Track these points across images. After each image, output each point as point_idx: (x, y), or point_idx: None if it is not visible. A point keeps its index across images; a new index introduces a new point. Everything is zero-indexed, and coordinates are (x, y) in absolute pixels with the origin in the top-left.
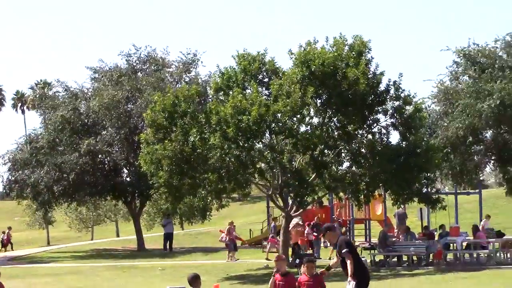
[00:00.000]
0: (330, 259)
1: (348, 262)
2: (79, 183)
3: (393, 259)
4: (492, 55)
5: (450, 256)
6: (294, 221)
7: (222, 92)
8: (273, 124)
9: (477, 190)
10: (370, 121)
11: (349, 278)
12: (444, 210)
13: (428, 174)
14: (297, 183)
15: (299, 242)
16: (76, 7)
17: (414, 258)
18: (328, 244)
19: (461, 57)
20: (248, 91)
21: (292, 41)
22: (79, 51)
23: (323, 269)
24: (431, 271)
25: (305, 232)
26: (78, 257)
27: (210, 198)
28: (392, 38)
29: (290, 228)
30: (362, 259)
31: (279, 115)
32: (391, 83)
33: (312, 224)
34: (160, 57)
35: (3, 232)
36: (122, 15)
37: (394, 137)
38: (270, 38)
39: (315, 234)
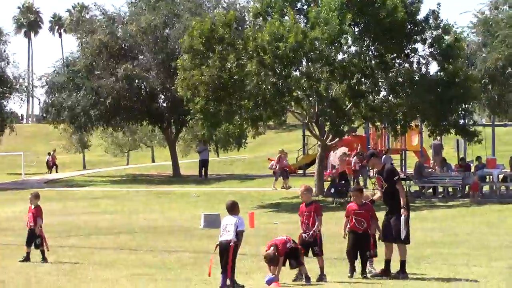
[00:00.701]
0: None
1: (400, 189)
2: (115, 107)
3: (429, 190)
4: None
5: (486, 188)
6: (341, 150)
7: (261, 18)
8: (310, 52)
9: None
10: (408, 51)
11: (402, 211)
12: (480, 144)
13: (466, 105)
14: (333, 112)
15: (346, 171)
16: None
17: (450, 189)
18: (371, 173)
19: None
20: (286, 18)
21: None
22: None
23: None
24: (466, 203)
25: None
26: (114, 182)
27: (246, 125)
28: None
29: (335, 157)
30: None
31: (316, 42)
32: (430, 12)
33: (356, 153)
34: None
35: (48, 154)
36: None
37: (433, 67)
38: None
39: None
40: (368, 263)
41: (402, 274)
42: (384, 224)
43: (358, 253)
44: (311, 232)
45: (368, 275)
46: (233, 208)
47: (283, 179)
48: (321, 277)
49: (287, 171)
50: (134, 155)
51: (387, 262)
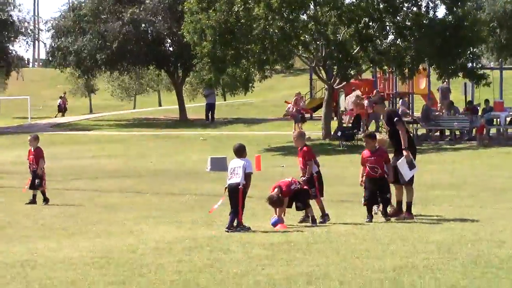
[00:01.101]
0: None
1: (401, 131)
2: (122, 51)
3: (436, 133)
4: None
5: (493, 131)
6: (354, 94)
7: None
8: None
9: None
10: None
11: (404, 153)
12: (488, 86)
13: (474, 49)
14: (341, 55)
15: (360, 115)
16: None
17: (457, 132)
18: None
19: None
20: None
21: None
22: None
23: None
24: (473, 146)
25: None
26: (120, 126)
27: (252, 69)
28: None
29: (349, 100)
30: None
31: None
32: None
33: (370, 96)
34: None
35: (60, 97)
36: None
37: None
38: None
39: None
40: (376, 206)
41: (408, 215)
42: (392, 166)
43: (379, 198)
44: (304, 178)
45: (380, 216)
46: (240, 151)
47: (300, 122)
48: (324, 218)
49: (303, 114)
50: (140, 99)
51: (398, 203)
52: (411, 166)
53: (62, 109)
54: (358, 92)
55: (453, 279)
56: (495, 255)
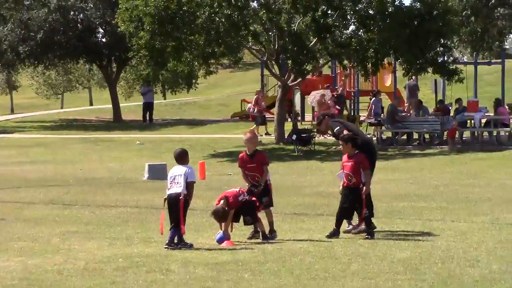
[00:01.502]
0: None
1: (341, 142)
2: (47, 43)
3: (403, 137)
4: None
5: (467, 134)
6: (318, 93)
7: None
8: None
9: (499, 60)
10: None
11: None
12: (462, 83)
13: (445, 41)
14: (296, 48)
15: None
16: None
17: (426, 136)
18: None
19: None
20: None
21: None
22: None
23: None
24: (445, 151)
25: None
26: (46, 128)
27: (196, 63)
28: None
29: (312, 99)
30: (367, 135)
31: None
32: None
33: (334, 95)
34: None
35: None
36: None
37: None
38: None
39: (337, 107)
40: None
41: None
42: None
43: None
44: (259, 188)
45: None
46: (182, 157)
47: (261, 124)
48: (272, 235)
49: (264, 115)
50: (69, 97)
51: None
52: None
53: None
54: (323, 91)
55: None
56: (468, 276)
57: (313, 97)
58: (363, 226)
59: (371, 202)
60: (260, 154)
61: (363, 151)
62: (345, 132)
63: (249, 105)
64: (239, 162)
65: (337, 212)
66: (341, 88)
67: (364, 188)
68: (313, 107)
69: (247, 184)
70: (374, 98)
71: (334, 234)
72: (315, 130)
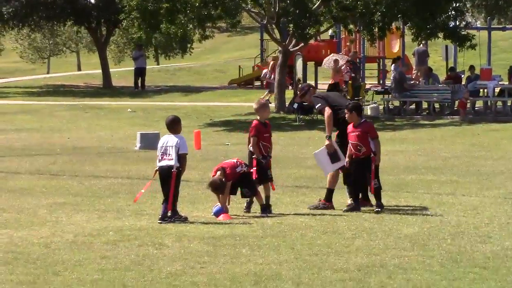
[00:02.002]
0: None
1: (325, 118)
2: (33, 3)
3: (411, 106)
4: None
5: (479, 104)
6: (333, 57)
7: None
8: None
9: None
10: None
11: (326, 142)
12: (474, 50)
13: (457, 4)
14: (298, 11)
15: (339, 82)
16: None
17: (436, 105)
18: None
19: None
20: None
21: None
22: None
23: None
24: (456, 121)
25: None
26: (32, 94)
27: (191, 26)
28: None
29: (328, 64)
30: (374, 105)
31: None
32: None
33: (350, 61)
34: None
35: None
36: None
37: None
38: None
39: (352, 74)
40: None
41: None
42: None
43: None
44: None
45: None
46: (173, 125)
47: (272, 93)
48: (266, 208)
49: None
50: (56, 62)
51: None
52: (334, 158)
53: None
54: (337, 56)
55: (429, 280)
56: (479, 252)
57: (328, 63)
58: (349, 202)
59: (378, 174)
60: (269, 125)
61: (348, 123)
62: (327, 108)
63: (265, 70)
64: (254, 130)
65: (352, 186)
66: (353, 52)
67: (376, 159)
68: (316, 75)
69: (254, 157)
70: (394, 64)
71: (354, 209)
72: (296, 101)
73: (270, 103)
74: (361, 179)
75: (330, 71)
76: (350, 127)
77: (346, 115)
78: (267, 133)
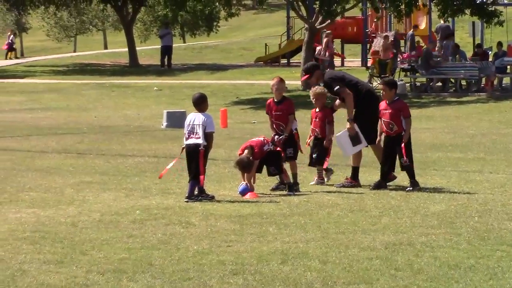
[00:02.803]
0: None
1: (346, 98)
2: None
3: (438, 83)
4: None
5: (506, 80)
6: (382, 35)
7: None
8: None
9: None
10: None
11: (348, 125)
12: (502, 26)
13: None
14: None
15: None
16: None
17: (463, 82)
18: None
19: None
20: None
21: None
22: None
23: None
24: (483, 98)
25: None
26: (59, 72)
27: (217, 4)
28: None
29: (377, 43)
30: (400, 82)
31: None
32: None
33: (392, 38)
34: None
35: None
36: None
37: None
38: None
39: (394, 50)
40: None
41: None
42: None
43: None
44: (282, 137)
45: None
46: (200, 103)
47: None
48: (296, 188)
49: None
50: (82, 40)
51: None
52: (355, 141)
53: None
54: (387, 32)
55: (457, 258)
56: (507, 230)
57: (377, 41)
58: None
59: (411, 152)
60: (286, 101)
61: (366, 100)
62: (346, 89)
63: (319, 48)
64: (266, 108)
65: (381, 163)
66: (395, 30)
67: (404, 137)
68: (342, 52)
69: (272, 133)
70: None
71: (379, 186)
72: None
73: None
74: (390, 157)
75: (380, 50)
76: (383, 104)
77: (382, 91)
78: (278, 112)
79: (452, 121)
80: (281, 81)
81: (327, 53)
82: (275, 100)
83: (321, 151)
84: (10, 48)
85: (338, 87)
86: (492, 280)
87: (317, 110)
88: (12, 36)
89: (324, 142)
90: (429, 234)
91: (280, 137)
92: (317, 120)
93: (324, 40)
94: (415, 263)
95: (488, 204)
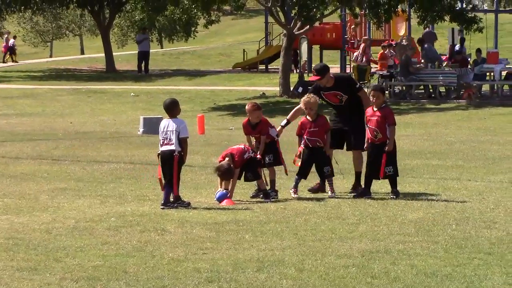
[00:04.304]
0: None
1: (364, 97)
2: None
3: (417, 90)
4: None
5: (485, 87)
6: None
7: None
8: None
9: None
10: None
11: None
12: (481, 33)
13: None
14: None
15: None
16: None
17: (442, 89)
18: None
19: None
20: None
21: None
22: None
23: None
24: (462, 105)
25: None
26: (34, 78)
27: (195, 10)
28: None
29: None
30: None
31: None
32: None
33: (388, 44)
34: None
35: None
36: None
37: None
38: None
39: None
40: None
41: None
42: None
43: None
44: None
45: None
46: (172, 108)
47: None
48: (270, 194)
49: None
50: (59, 45)
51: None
52: None
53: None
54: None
55: (434, 266)
56: (484, 238)
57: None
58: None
59: (395, 160)
60: (262, 122)
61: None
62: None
63: (355, 53)
64: (245, 129)
65: (365, 171)
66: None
67: (387, 145)
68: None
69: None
70: (457, 45)
71: (364, 194)
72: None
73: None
74: (374, 164)
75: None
76: (369, 111)
77: (372, 97)
78: (255, 134)
79: (431, 128)
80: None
81: (364, 59)
82: (251, 124)
83: (327, 161)
84: (11, 51)
85: (359, 85)
86: None
87: (311, 119)
88: (13, 40)
89: (326, 150)
90: (406, 242)
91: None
92: (316, 128)
93: (362, 45)
94: (391, 271)
95: (466, 212)
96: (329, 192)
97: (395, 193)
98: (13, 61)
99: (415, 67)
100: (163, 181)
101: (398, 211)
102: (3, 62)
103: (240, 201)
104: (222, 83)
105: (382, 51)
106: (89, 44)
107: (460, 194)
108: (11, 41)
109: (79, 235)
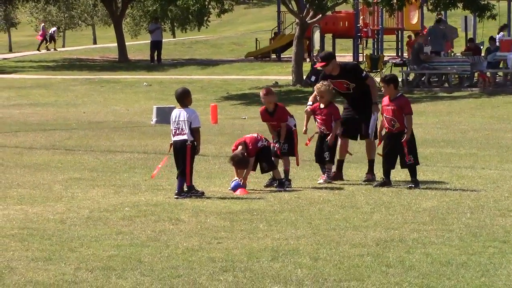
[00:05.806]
0: None
1: (372, 84)
2: None
3: (431, 78)
4: None
5: (499, 75)
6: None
7: None
8: None
9: None
10: None
11: (375, 107)
12: (494, 20)
13: None
14: None
15: None
16: None
17: (456, 77)
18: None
19: None
20: None
21: None
22: None
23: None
24: (475, 93)
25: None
26: (47, 68)
27: (208, 2)
28: None
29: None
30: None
31: None
32: None
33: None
34: None
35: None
36: None
37: None
38: None
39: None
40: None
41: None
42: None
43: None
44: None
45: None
46: (184, 98)
47: None
48: (285, 183)
49: None
50: (71, 36)
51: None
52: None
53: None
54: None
55: (449, 255)
56: (499, 226)
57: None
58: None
59: (415, 149)
60: (278, 109)
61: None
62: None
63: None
64: (262, 117)
65: (382, 162)
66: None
67: (405, 134)
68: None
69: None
70: (501, 32)
71: (384, 184)
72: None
73: None
74: (392, 154)
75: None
76: (385, 100)
77: (382, 88)
78: (273, 121)
79: (444, 117)
80: (270, 92)
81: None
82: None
83: (329, 148)
84: (52, 39)
85: (365, 73)
86: (484, 276)
87: (322, 106)
88: (54, 28)
89: (329, 139)
90: (420, 231)
91: (279, 146)
92: (324, 116)
93: (414, 40)
94: (406, 260)
95: (480, 200)
96: (320, 179)
97: (415, 183)
98: (54, 49)
99: (426, 55)
100: (157, 170)
101: (412, 200)
102: (38, 50)
103: (254, 190)
104: (234, 72)
105: (414, 39)
106: (101, 34)
107: (474, 182)
108: (53, 29)
109: (93, 225)
